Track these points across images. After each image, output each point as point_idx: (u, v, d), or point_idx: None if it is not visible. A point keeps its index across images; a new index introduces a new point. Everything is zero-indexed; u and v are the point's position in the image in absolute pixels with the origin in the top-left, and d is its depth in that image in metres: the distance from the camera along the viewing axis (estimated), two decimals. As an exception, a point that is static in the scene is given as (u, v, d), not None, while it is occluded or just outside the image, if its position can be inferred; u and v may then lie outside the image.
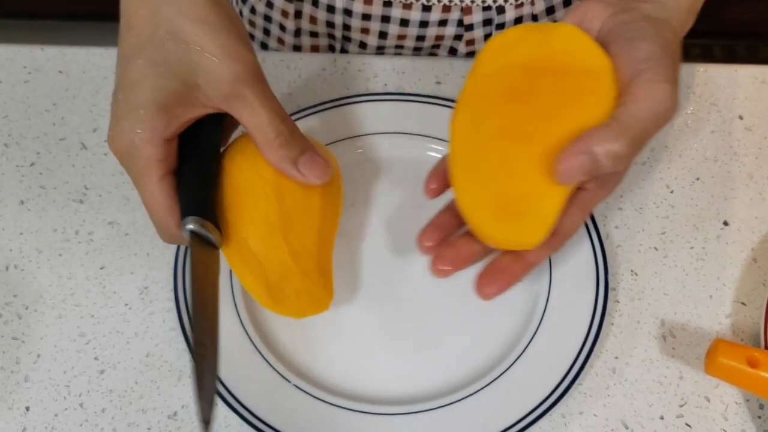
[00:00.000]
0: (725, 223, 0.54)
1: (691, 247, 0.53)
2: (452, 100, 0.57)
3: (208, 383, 0.40)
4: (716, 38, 1.62)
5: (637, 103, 0.39)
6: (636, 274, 0.52)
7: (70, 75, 0.62)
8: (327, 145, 0.56)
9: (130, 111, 0.41)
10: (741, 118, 0.58)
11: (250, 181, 0.45)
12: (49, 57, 0.63)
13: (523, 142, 0.41)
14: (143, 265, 0.52)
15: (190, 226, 0.42)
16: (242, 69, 0.42)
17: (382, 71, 0.61)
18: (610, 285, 0.50)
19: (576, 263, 0.50)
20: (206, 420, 0.38)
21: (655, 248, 0.53)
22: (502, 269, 0.43)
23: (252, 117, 0.42)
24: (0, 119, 0.60)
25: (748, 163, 0.56)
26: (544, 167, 0.40)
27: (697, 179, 0.56)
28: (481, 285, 0.43)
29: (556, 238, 0.43)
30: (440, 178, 0.45)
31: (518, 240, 0.41)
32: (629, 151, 0.39)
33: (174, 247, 0.52)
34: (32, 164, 0.57)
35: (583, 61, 0.42)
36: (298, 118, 0.57)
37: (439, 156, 0.56)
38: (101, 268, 0.52)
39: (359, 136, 0.57)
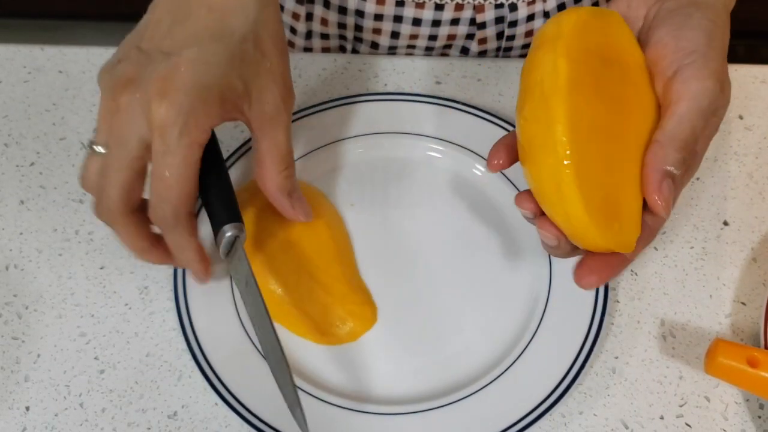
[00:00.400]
0: (725, 223, 0.54)
1: (691, 247, 0.53)
2: (452, 100, 0.57)
3: (287, 391, 0.43)
4: (716, 38, 1.61)
5: (679, 103, 0.39)
6: (636, 274, 0.52)
7: (70, 75, 0.62)
8: (327, 144, 0.56)
9: (197, 86, 0.40)
10: (741, 117, 0.58)
11: (265, 241, 0.50)
12: (49, 57, 0.63)
13: (612, 141, 0.39)
14: (143, 264, 0.52)
15: (231, 233, 0.45)
16: (288, 98, 0.45)
17: (382, 71, 0.61)
18: (610, 285, 0.50)
19: (576, 263, 0.50)
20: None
21: (655, 248, 0.53)
22: (605, 261, 0.41)
23: (275, 143, 0.45)
24: (0, 119, 0.60)
25: (748, 162, 0.56)
26: (629, 165, 0.39)
27: (697, 179, 0.56)
28: (583, 274, 0.41)
29: (649, 233, 0.41)
30: (509, 152, 0.42)
31: (618, 244, 0.39)
32: (691, 151, 0.39)
33: (174, 246, 0.52)
34: (32, 164, 0.57)
35: (632, 54, 0.41)
36: (298, 118, 0.57)
37: (439, 156, 0.56)
38: (101, 268, 0.52)
39: (359, 136, 0.56)
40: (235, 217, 0.45)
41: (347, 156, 0.56)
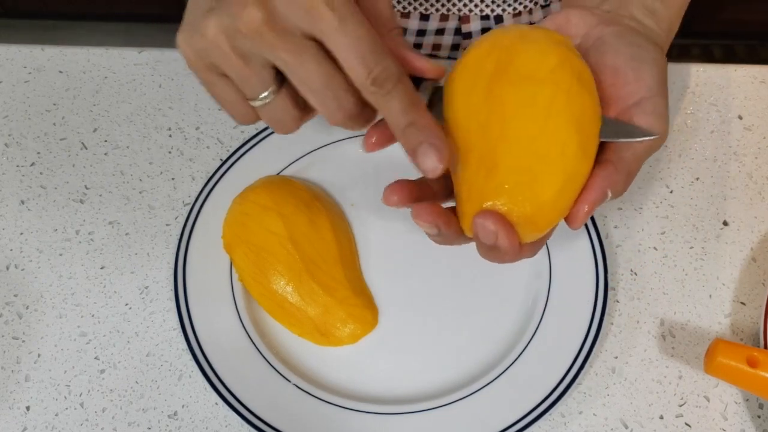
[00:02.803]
0: (725, 223, 0.54)
1: (691, 247, 0.53)
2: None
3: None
4: (715, 38, 1.62)
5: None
6: (635, 274, 0.52)
7: (71, 75, 0.62)
8: (327, 144, 0.56)
9: None
10: (740, 118, 0.58)
11: (267, 240, 0.49)
12: (49, 57, 0.63)
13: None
14: (144, 264, 0.52)
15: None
16: None
17: (382, 71, 0.61)
18: (610, 285, 0.50)
19: (575, 263, 0.50)
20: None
21: (655, 248, 0.53)
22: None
23: (382, 5, 0.39)
24: (0, 119, 0.60)
25: (748, 162, 0.56)
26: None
27: (697, 179, 0.56)
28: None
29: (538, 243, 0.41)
30: (384, 133, 0.40)
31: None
32: (627, 183, 0.40)
33: (174, 246, 0.52)
34: (33, 164, 0.57)
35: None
36: (298, 118, 0.57)
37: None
38: (102, 268, 0.52)
39: (359, 136, 0.57)
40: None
41: (347, 156, 0.56)
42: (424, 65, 0.39)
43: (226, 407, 0.46)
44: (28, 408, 0.47)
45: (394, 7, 0.60)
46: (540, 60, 0.37)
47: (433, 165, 0.36)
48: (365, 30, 0.35)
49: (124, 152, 0.58)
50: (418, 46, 0.63)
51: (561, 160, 0.36)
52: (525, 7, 0.61)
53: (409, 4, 0.60)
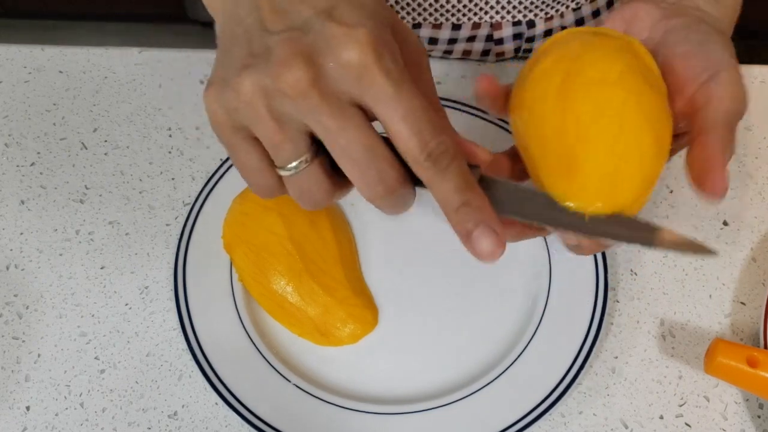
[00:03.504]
0: (725, 223, 0.54)
1: (691, 247, 0.53)
2: (452, 100, 0.57)
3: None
4: (716, 38, 1.62)
5: (722, 102, 0.40)
6: (635, 274, 0.52)
7: (71, 75, 0.62)
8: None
9: (370, 14, 0.32)
10: (740, 118, 0.58)
11: (267, 240, 0.49)
12: (49, 57, 0.63)
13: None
14: (144, 264, 0.52)
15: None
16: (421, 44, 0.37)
17: (382, 71, 0.61)
18: (610, 285, 0.50)
19: (576, 263, 0.50)
20: None
21: (655, 248, 0.53)
22: None
23: (427, 85, 0.37)
24: (0, 119, 0.60)
25: (748, 163, 0.56)
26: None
27: (697, 179, 0.56)
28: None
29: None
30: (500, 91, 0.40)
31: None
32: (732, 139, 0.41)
33: (174, 246, 0.52)
34: (33, 164, 0.57)
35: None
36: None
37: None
38: (102, 268, 0.52)
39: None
40: None
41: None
42: (476, 150, 0.37)
43: (226, 407, 0.46)
44: (28, 408, 0.47)
45: (426, 19, 0.60)
46: (607, 67, 0.38)
47: (489, 249, 0.34)
48: (421, 100, 0.33)
49: (124, 152, 0.58)
50: (448, 53, 0.63)
51: (640, 160, 0.37)
52: (557, 11, 0.61)
53: (441, 15, 0.60)
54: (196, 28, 1.56)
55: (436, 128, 0.33)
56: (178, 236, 0.52)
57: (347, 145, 0.33)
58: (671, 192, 0.55)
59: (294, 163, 0.34)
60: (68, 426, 0.47)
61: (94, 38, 1.64)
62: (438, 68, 0.61)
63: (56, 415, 0.47)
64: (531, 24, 0.62)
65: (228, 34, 0.35)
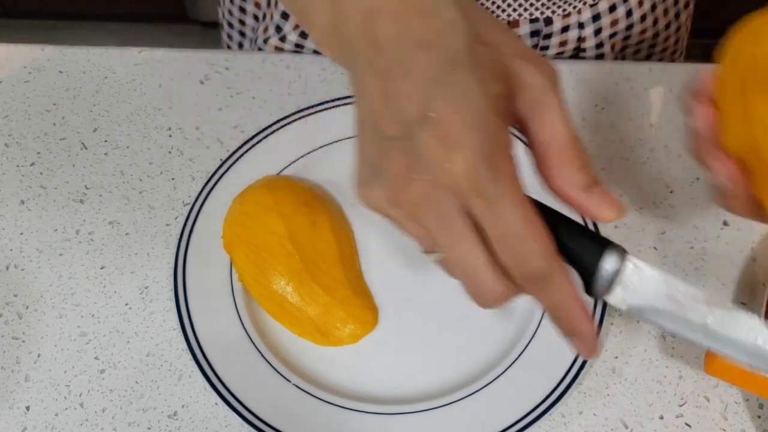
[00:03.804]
0: (725, 223, 0.54)
1: (691, 247, 0.53)
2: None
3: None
4: (716, 38, 1.62)
5: None
6: (636, 274, 0.52)
7: (71, 75, 0.62)
8: (327, 144, 0.56)
9: (472, 119, 0.32)
10: (741, 118, 0.58)
11: (267, 240, 0.49)
12: (49, 57, 0.63)
13: None
14: (144, 264, 0.52)
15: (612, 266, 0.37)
16: (549, 71, 0.36)
17: (382, 71, 0.61)
18: (610, 285, 0.50)
19: (576, 263, 0.50)
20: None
21: (655, 248, 0.53)
22: None
23: (553, 127, 0.36)
24: (0, 119, 0.60)
25: (748, 163, 0.56)
26: None
27: (697, 179, 0.56)
28: None
29: None
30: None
31: None
32: None
33: (174, 246, 0.52)
34: (33, 164, 0.57)
35: None
36: (298, 118, 0.57)
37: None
38: (102, 268, 0.52)
39: (359, 136, 0.56)
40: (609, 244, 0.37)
41: (347, 156, 0.56)
42: (602, 214, 0.36)
43: (226, 407, 0.46)
44: (28, 408, 0.47)
45: None
46: None
47: (581, 352, 0.37)
48: (520, 221, 0.33)
49: (124, 152, 0.58)
50: None
51: None
52: (574, 7, 0.61)
53: None
54: (196, 28, 1.57)
55: (530, 247, 0.33)
56: (178, 236, 0.52)
57: (456, 259, 0.34)
58: (671, 192, 0.55)
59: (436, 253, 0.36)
60: (68, 426, 0.47)
61: (94, 38, 1.64)
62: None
63: (56, 415, 0.47)
64: (548, 21, 0.62)
65: (357, 125, 0.37)
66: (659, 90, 0.60)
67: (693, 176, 0.56)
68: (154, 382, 0.48)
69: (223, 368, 0.47)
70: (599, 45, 0.64)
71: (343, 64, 0.37)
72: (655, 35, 0.67)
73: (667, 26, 0.68)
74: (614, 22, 0.63)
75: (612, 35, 0.64)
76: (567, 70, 0.61)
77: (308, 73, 0.61)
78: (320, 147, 0.56)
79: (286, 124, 0.56)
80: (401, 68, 0.34)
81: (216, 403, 0.47)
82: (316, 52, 0.65)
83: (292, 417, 0.45)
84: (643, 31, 0.66)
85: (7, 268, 0.53)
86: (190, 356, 0.48)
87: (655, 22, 0.66)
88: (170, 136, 0.58)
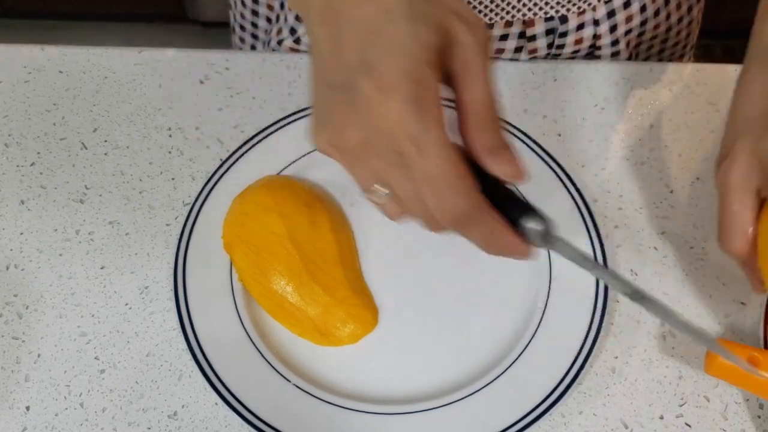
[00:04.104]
0: (725, 223, 0.54)
1: (691, 247, 0.53)
2: (452, 100, 0.57)
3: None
4: (716, 38, 1.62)
5: None
6: (636, 274, 0.52)
7: (71, 75, 0.62)
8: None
9: (405, 71, 0.35)
10: (741, 118, 0.58)
11: (267, 240, 0.49)
12: (49, 57, 0.63)
13: None
14: (144, 264, 0.52)
15: (538, 226, 0.39)
16: (482, 37, 0.38)
17: (382, 71, 0.61)
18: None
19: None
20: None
21: (655, 248, 0.53)
22: None
23: (475, 89, 0.38)
24: (0, 119, 0.60)
25: (748, 163, 0.56)
26: None
27: (697, 179, 0.56)
28: None
29: None
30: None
31: None
32: None
33: (174, 246, 0.52)
34: (33, 164, 0.57)
35: None
36: (298, 118, 0.57)
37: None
38: (102, 268, 0.52)
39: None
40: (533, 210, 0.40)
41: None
42: (503, 176, 0.38)
43: (226, 407, 0.46)
44: (28, 408, 0.47)
45: None
46: None
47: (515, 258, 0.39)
48: (445, 157, 0.36)
49: (124, 152, 0.58)
50: None
51: None
52: (589, 4, 0.61)
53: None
54: (196, 28, 1.56)
55: (456, 192, 0.36)
56: (178, 236, 0.52)
57: (397, 198, 0.38)
58: (671, 192, 0.55)
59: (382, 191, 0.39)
60: (68, 426, 0.47)
61: (94, 38, 1.64)
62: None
63: (56, 415, 0.47)
64: (563, 19, 0.62)
65: (311, 74, 0.39)
66: (659, 90, 0.60)
67: (693, 176, 0.56)
68: (154, 382, 0.48)
69: (223, 368, 0.47)
70: (614, 42, 0.64)
71: (303, 17, 0.40)
72: (668, 30, 0.67)
73: (680, 20, 0.68)
74: (629, 18, 0.63)
75: (627, 32, 0.64)
76: (567, 70, 0.61)
77: (308, 73, 0.61)
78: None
79: (286, 124, 0.56)
80: (346, 19, 0.36)
81: (216, 403, 0.47)
82: None
83: (292, 417, 0.45)
84: (656, 26, 0.66)
85: (7, 268, 0.53)
86: (190, 356, 0.48)
87: (668, 16, 0.66)
88: (170, 136, 0.58)
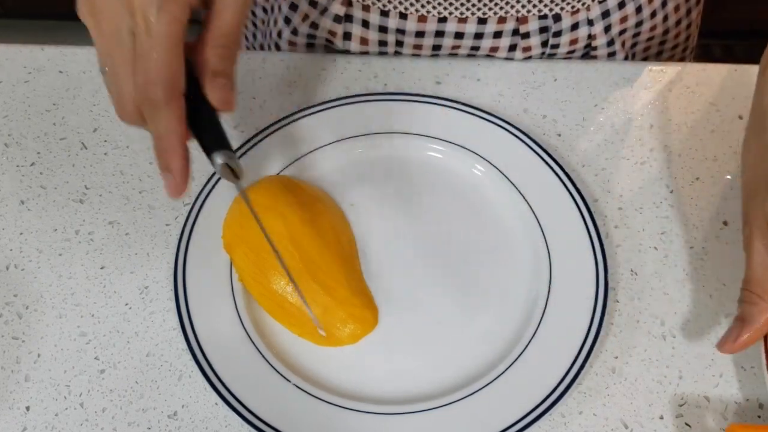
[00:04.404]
0: (725, 223, 0.54)
1: (691, 247, 0.53)
2: (452, 100, 0.57)
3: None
4: (715, 38, 1.62)
5: None
6: (636, 274, 0.52)
7: (71, 75, 0.62)
8: (327, 145, 0.56)
9: None
10: (740, 118, 0.58)
11: (265, 241, 0.48)
12: (49, 57, 0.63)
13: None
14: (143, 264, 0.52)
15: (222, 160, 0.44)
16: None
17: (382, 71, 0.61)
18: (610, 284, 0.50)
19: (576, 263, 0.50)
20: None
21: (655, 248, 0.53)
22: None
23: (222, 17, 0.43)
24: (0, 119, 0.60)
25: (748, 163, 0.56)
26: None
27: (697, 179, 0.56)
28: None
29: None
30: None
31: None
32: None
33: (174, 246, 0.52)
34: (32, 164, 0.57)
35: None
36: (298, 118, 0.57)
37: (439, 156, 0.56)
38: (101, 268, 0.52)
39: (359, 136, 0.57)
40: (226, 146, 0.45)
41: (347, 156, 0.56)
42: (213, 100, 0.43)
43: (226, 407, 0.46)
44: (27, 408, 0.47)
45: (452, 13, 0.60)
46: None
47: (169, 190, 0.44)
48: (166, 46, 0.40)
49: (124, 152, 0.58)
50: (475, 49, 0.63)
51: None
52: (583, 3, 0.61)
53: (467, 9, 0.60)
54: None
55: (159, 77, 0.40)
56: (178, 236, 0.52)
57: (111, 67, 0.42)
58: (671, 192, 0.55)
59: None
60: (68, 426, 0.47)
61: (94, 38, 1.64)
62: (438, 67, 0.61)
63: (56, 415, 0.47)
64: (557, 18, 0.62)
65: None
66: (659, 90, 0.60)
67: (693, 176, 0.56)
68: (154, 382, 0.48)
69: (222, 368, 0.47)
70: (610, 42, 0.64)
71: None
72: (665, 32, 0.67)
73: (678, 23, 0.68)
74: (624, 19, 0.63)
75: (622, 32, 0.64)
76: (567, 69, 0.61)
77: (308, 73, 0.61)
78: (320, 147, 0.56)
79: (286, 124, 0.57)
80: None
81: (216, 403, 0.47)
82: (328, 41, 0.65)
83: (292, 417, 0.45)
84: (653, 28, 0.66)
85: (7, 268, 0.53)
86: (190, 356, 0.48)
87: (666, 18, 0.66)
88: (170, 136, 0.58)
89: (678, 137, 0.57)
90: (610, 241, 0.53)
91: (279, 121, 0.57)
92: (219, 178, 0.54)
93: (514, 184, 0.54)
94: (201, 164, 0.57)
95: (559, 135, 0.58)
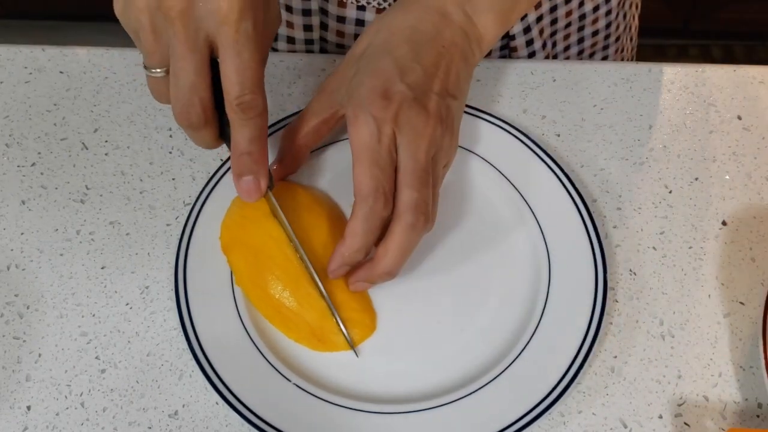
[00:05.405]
0: (723, 223, 0.54)
1: (690, 247, 0.53)
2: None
3: None
4: (714, 39, 1.62)
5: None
6: (635, 274, 0.52)
7: (71, 75, 0.62)
8: (326, 145, 0.56)
9: None
10: (739, 118, 0.59)
11: (265, 244, 0.49)
12: (50, 57, 0.63)
13: None
14: (144, 264, 0.53)
15: None
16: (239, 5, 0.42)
17: (382, 72, 0.61)
18: (609, 284, 0.50)
19: (575, 263, 0.50)
20: None
21: (654, 248, 0.53)
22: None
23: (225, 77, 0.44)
24: (1, 119, 0.60)
25: (747, 163, 0.56)
26: None
27: (696, 179, 0.56)
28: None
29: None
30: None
31: None
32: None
33: (174, 246, 0.52)
34: (33, 164, 0.57)
35: None
36: (298, 119, 0.57)
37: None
38: (102, 268, 0.53)
39: (359, 136, 0.56)
40: None
41: (347, 157, 0.56)
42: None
43: (227, 407, 0.46)
44: (28, 408, 0.48)
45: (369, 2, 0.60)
46: None
47: (247, 188, 0.46)
48: (256, 62, 0.42)
49: (125, 152, 0.58)
50: None
51: None
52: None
53: None
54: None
55: (256, 85, 0.43)
56: (179, 236, 0.52)
57: (178, 71, 0.42)
58: (670, 192, 0.55)
59: (159, 70, 0.44)
60: (69, 426, 0.47)
61: (95, 38, 1.64)
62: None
63: (57, 414, 0.47)
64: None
65: None
66: (658, 90, 0.60)
67: (692, 176, 0.56)
68: (155, 382, 0.48)
69: (223, 368, 0.47)
70: (527, 30, 0.64)
71: None
72: (582, 17, 0.67)
73: (596, 9, 0.67)
74: (538, 5, 0.63)
75: (539, 18, 0.64)
76: (566, 70, 0.61)
77: (308, 73, 0.61)
78: (318, 148, 0.56)
79: (286, 125, 0.57)
80: None
81: (216, 403, 0.47)
82: (322, 39, 0.65)
83: (293, 416, 0.45)
84: (568, 13, 0.65)
85: (8, 268, 0.53)
86: (190, 356, 0.48)
87: (581, 4, 0.66)
88: (171, 136, 0.58)
89: (677, 138, 0.58)
90: (609, 241, 0.53)
91: (279, 121, 0.57)
92: (220, 179, 0.54)
93: (513, 185, 0.54)
94: (201, 164, 0.57)
95: (558, 135, 0.58)
